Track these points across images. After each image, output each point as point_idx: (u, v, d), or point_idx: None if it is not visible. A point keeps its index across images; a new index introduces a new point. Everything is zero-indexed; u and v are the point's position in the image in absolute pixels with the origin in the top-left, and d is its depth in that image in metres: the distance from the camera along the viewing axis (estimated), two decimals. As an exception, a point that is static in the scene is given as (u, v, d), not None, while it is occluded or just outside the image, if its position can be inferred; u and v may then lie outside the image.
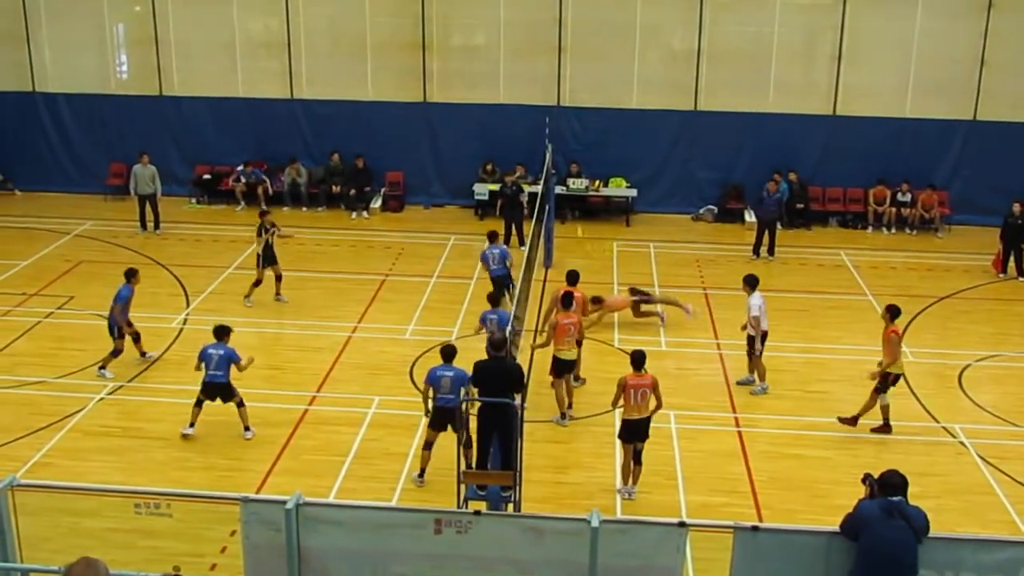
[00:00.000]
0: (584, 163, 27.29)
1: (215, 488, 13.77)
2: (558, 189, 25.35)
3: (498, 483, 12.60)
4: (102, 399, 16.88)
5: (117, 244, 24.70)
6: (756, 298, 17.46)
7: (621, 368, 18.11)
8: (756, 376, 17.74)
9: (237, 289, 21.12)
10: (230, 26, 28.22)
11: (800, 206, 26.91)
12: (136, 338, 18.11)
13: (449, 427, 14.15)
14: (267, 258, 20.77)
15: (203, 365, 15.69)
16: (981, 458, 15.53)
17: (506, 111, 27.66)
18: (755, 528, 8.95)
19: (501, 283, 19.36)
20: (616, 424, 16.21)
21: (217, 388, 15.64)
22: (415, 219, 27.32)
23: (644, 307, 20.45)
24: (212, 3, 28.17)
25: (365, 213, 27.34)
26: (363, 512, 9.51)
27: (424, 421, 14.91)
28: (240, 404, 15.74)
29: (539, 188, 23.03)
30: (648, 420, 14.38)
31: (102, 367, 17.70)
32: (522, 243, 23.53)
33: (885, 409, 16.14)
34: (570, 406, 16.78)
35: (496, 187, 27.09)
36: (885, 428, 16.16)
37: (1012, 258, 23.50)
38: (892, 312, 16.18)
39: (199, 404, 15.72)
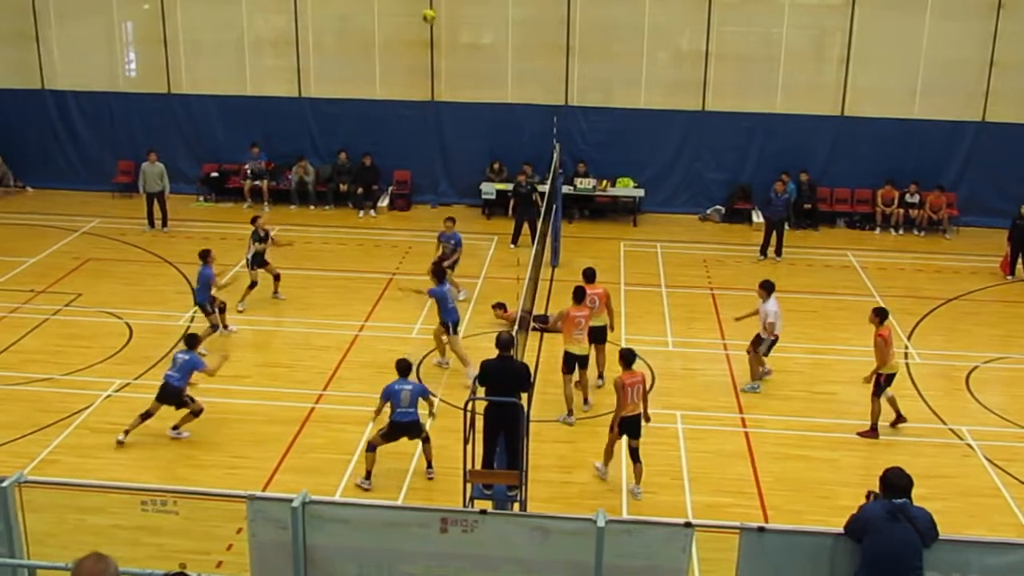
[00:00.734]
0: (591, 163, 27.29)
1: (221, 486, 13.79)
2: (565, 189, 25.36)
3: (504, 482, 12.60)
4: (109, 396, 16.91)
5: (125, 242, 24.75)
6: (772, 303, 17.44)
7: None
8: (751, 375, 17.75)
9: (244, 287, 21.12)
10: (239, 24, 28.27)
11: (808, 207, 26.88)
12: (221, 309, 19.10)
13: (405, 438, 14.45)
14: (258, 262, 20.69)
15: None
16: (988, 460, 15.51)
17: (514, 110, 27.66)
18: (761, 529, 8.95)
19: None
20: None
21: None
22: (422, 218, 27.32)
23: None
24: (221, 1, 28.21)
25: (372, 212, 27.36)
26: (369, 511, 9.52)
27: (430, 421, 14.95)
28: (195, 413, 15.66)
29: (546, 188, 23.02)
30: (640, 416, 14.57)
31: (225, 325, 19.16)
32: (535, 242, 23.60)
33: (892, 401, 16.20)
34: (587, 402, 16.86)
35: (504, 186, 27.13)
36: (899, 419, 16.27)
37: (1020, 260, 23.44)
38: (880, 315, 16.18)
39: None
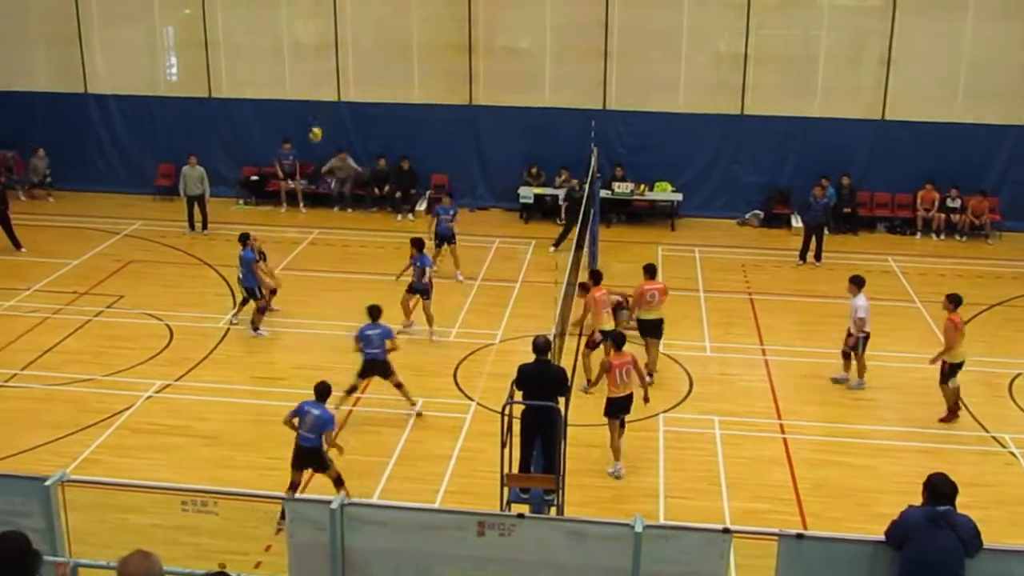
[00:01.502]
0: (629, 167, 27.24)
1: (259, 487, 13.87)
2: (603, 193, 25.32)
3: (541, 486, 12.60)
4: (150, 397, 17.06)
5: (165, 244, 24.98)
6: (861, 299, 17.57)
7: (666, 372, 18.15)
8: (853, 374, 17.81)
9: (284, 290, 21.20)
10: (278, 28, 28.48)
11: (847, 211, 26.70)
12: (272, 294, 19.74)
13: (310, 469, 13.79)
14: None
15: (362, 345, 16.45)
16: (1030, 468, 15.35)
17: (551, 114, 27.66)
18: (800, 536, 8.88)
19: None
20: (660, 428, 16.29)
21: (376, 365, 16.41)
22: (460, 222, 27.20)
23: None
24: (261, 6, 28.42)
25: (410, 215, 27.41)
26: (406, 513, 9.55)
27: (467, 424, 14.94)
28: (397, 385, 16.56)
29: (584, 192, 22.99)
30: (631, 396, 15.07)
31: (255, 327, 19.42)
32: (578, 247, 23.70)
33: (956, 393, 16.25)
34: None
35: (542, 190, 27.17)
36: (951, 416, 16.28)
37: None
38: (954, 301, 16.28)
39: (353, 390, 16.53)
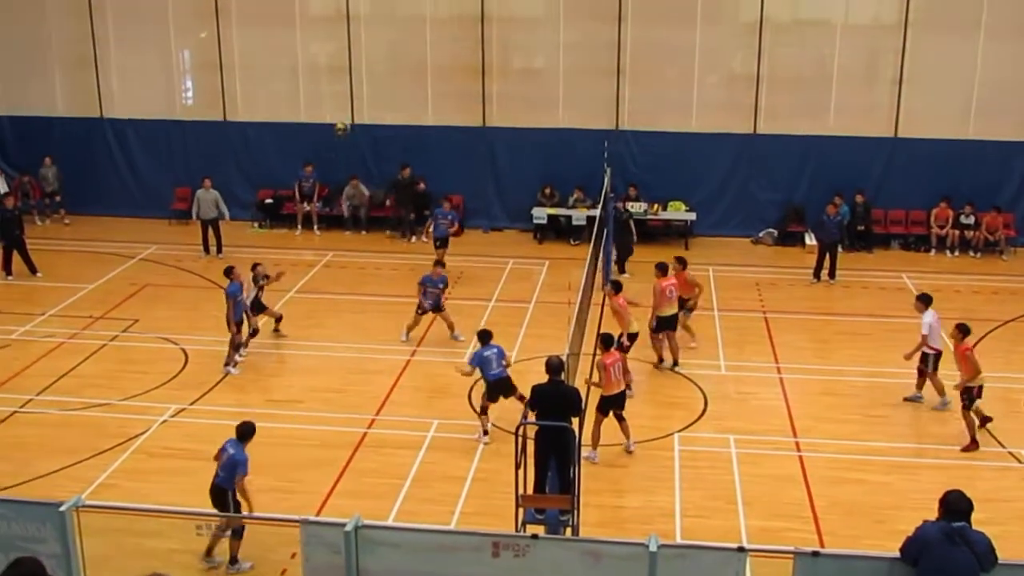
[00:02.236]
0: (643, 186, 27.26)
1: (275, 510, 13.86)
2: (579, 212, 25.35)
3: (556, 507, 12.58)
4: (165, 421, 17.12)
5: (181, 268, 25.09)
6: (929, 315, 17.67)
7: (681, 391, 18.14)
8: (930, 394, 17.83)
9: (298, 312, 21.30)
10: (293, 51, 28.64)
11: (861, 228, 26.67)
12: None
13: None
14: (258, 308, 20.26)
15: (482, 369, 16.62)
16: (1047, 484, 15.28)
17: (565, 135, 27.73)
18: (816, 553, 8.86)
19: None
20: (676, 447, 16.27)
21: (500, 384, 16.54)
22: (474, 242, 27.41)
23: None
24: (275, 29, 28.59)
25: (424, 238, 27.40)
26: (422, 535, 9.55)
27: (482, 448, 14.97)
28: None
29: (598, 212, 23.03)
30: (624, 393, 15.97)
31: (227, 363, 18.98)
32: (622, 270, 23.77)
33: (972, 426, 16.16)
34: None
35: (555, 211, 27.26)
36: (973, 444, 16.15)
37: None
38: (962, 330, 16.32)
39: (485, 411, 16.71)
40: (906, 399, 18.02)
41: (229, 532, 12.64)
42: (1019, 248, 26.56)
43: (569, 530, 12.33)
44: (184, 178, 28.68)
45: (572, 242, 26.90)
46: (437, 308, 20.57)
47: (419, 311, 20.37)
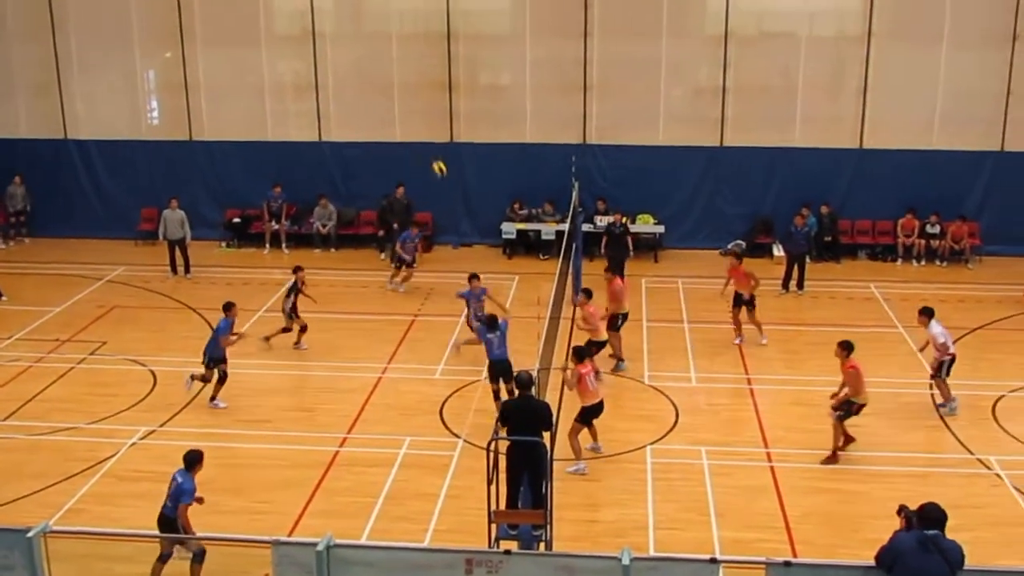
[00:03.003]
0: (611, 200, 27.31)
1: (247, 531, 13.78)
2: (585, 227, 25.39)
3: (529, 522, 12.55)
4: (134, 444, 16.95)
5: (149, 289, 24.91)
6: (935, 326, 17.91)
7: (653, 403, 18.14)
8: (944, 399, 18.05)
9: (267, 331, 21.18)
10: (259, 70, 28.55)
11: (829, 239, 26.84)
12: (222, 378, 18.43)
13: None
14: (296, 312, 20.87)
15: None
16: (1017, 490, 15.36)
17: (533, 150, 27.78)
18: (787, 563, 8.89)
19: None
20: (648, 460, 16.27)
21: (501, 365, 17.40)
22: (444, 258, 27.38)
23: None
24: (241, 48, 28.50)
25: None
26: (394, 553, 9.52)
27: (455, 461, 14.89)
28: None
29: (567, 226, 23.06)
30: (602, 403, 16.07)
31: (213, 398, 18.37)
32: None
33: (838, 439, 16.16)
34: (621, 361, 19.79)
35: (524, 226, 27.26)
36: (833, 459, 16.13)
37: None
38: (846, 348, 16.24)
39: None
40: (940, 406, 18.15)
41: (190, 556, 12.47)
42: (984, 257, 26.77)
43: (543, 545, 12.31)
44: (150, 198, 28.47)
45: (542, 257, 26.94)
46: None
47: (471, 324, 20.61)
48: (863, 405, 16.21)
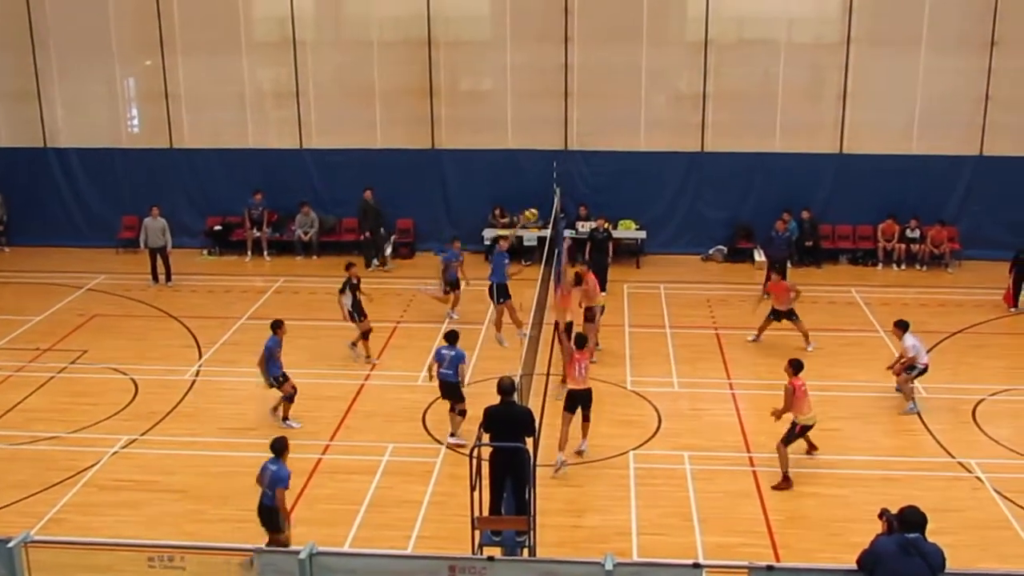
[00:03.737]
0: (593, 206, 27.35)
1: (230, 540, 13.72)
2: (567, 232, 25.42)
3: (512, 528, 12.56)
4: (116, 453, 16.88)
5: (130, 297, 24.82)
6: (908, 339, 18.08)
7: (635, 409, 18.19)
8: (909, 398, 18.26)
9: (250, 339, 21.13)
10: (239, 78, 28.51)
11: (810, 244, 26.95)
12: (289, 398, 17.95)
13: None
14: (359, 311, 20.65)
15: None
16: (998, 493, 15.44)
17: (515, 156, 27.82)
18: (770, 568, 8.92)
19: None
20: (631, 465, 16.30)
21: (447, 386, 17.06)
22: (426, 265, 27.35)
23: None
24: (221, 55, 28.45)
25: (375, 261, 27.25)
26: (377, 560, 9.51)
27: (438, 468, 14.86)
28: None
29: (548, 232, 23.09)
30: (590, 391, 16.22)
31: (285, 418, 17.80)
32: (603, 288, 23.71)
33: (785, 462, 15.77)
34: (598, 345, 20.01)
35: (505, 232, 27.22)
36: (785, 484, 15.72)
37: (1024, 292, 23.51)
38: (795, 366, 16.05)
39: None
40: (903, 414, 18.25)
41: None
42: (964, 261, 26.92)
43: (526, 551, 12.32)
44: (131, 207, 28.37)
45: (524, 262, 26.92)
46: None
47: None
48: (807, 426, 15.90)
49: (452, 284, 22.71)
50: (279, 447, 13.41)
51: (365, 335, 20.70)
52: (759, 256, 26.70)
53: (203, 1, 28.28)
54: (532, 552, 12.24)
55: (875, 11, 26.70)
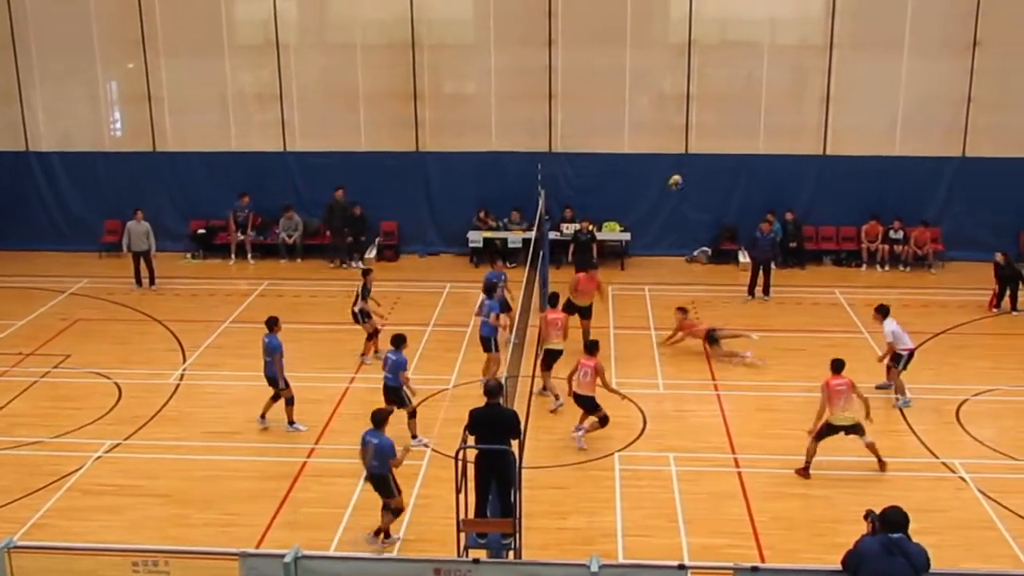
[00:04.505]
0: (578, 208, 27.38)
1: (215, 544, 13.70)
2: (552, 234, 25.44)
3: (498, 530, 12.54)
4: (100, 457, 16.81)
5: (113, 301, 24.72)
6: (888, 324, 18.55)
7: (620, 410, 18.15)
8: (895, 392, 18.65)
9: (234, 343, 21.10)
10: (222, 80, 28.43)
11: (794, 245, 27.02)
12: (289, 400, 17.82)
13: None
14: (366, 315, 20.72)
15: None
16: (982, 493, 15.50)
17: (499, 158, 27.81)
18: (755, 569, 8.94)
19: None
20: (616, 467, 16.31)
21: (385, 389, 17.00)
22: (411, 268, 27.39)
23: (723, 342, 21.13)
24: (204, 58, 28.36)
25: (360, 263, 27.32)
26: (362, 563, 9.51)
27: (423, 471, 14.85)
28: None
29: (533, 234, 23.09)
30: (590, 398, 16.68)
31: (291, 422, 17.75)
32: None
33: (810, 453, 16.03)
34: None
35: (491, 234, 27.30)
36: (806, 471, 16.01)
37: (1008, 295, 23.56)
38: (833, 366, 16.21)
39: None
40: (878, 387, 18.74)
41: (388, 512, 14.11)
42: (947, 262, 27.04)
43: (511, 553, 12.31)
44: (114, 210, 28.27)
45: (508, 265, 26.90)
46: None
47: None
48: (836, 426, 15.87)
49: (501, 306, 20.99)
50: (380, 418, 14.01)
51: (371, 335, 20.81)
52: (743, 257, 26.76)
53: (186, 4, 28.21)
54: (518, 554, 12.23)
55: (858, 13, 26.78)
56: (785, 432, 17.56)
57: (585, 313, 21.06)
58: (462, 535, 12.34)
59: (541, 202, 23.69)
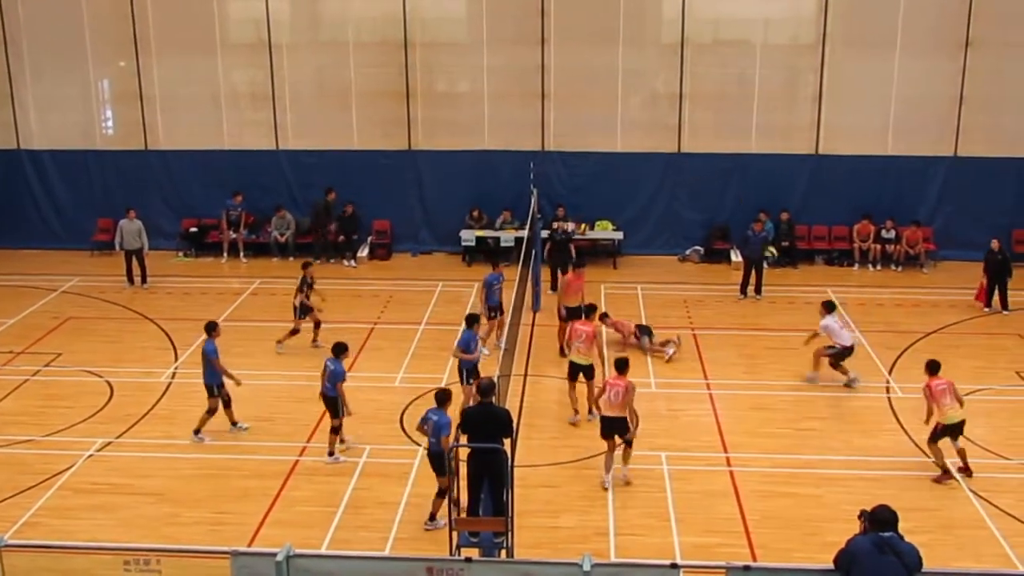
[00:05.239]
0: (570, 207, 27.34)
1: (206, 542, 13.68)
2: (544, 233, 25.43)
3: (490, 529, 12.54)
4: (91, 456, 16.78)
5: (105, 300, 24.66)
6: (827, 320, 19.27)
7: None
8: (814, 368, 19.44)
9: (225, 341, 20.94)
10: (215, 79, 28.38)
11: (786, 244, 27.05)
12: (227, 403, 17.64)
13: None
14: (304, 310, 20.96)
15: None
16: (973, 492, 15.52)
17: (491, 157, 27.81)
18: (747, 568, 8.94)
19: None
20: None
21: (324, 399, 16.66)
22: (403, 267, 27.38)
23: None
24: (196, 57, 28.31)
25: (353, 262, 27.32)
26: (354, 562, 9.49)
27: (415, 469, 14.83)
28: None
29: (526, 233, 23.11)
30: (622, 420, 15.63)
31: (197, 431, 17.32)
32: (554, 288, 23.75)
33: (939, 455, 15.95)
34: (590, 411, 17.79)
35: (484, 233, 27.28)
36: (946, 475, 15.90)
37: (996, 292, 23.60)
38: (928, 368, 16.33)
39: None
40: (808, 378, 19.39)
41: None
42: (939, 261, 27.09)
43: (504, 552, 12.31)
44: (106, 209, 28.23)
45: (501, 263, 26.91)
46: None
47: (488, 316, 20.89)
48: (949, 425, 15.79)
49: (495, 309, 21.07)
50: (443, 397, 14.16)
51: (293, 331, 21.07)
52: (736, 256, 26.79)
53: (178, 2, 28.16)
54: (510, 553, 12.23)
55: (850, 13, 26.82)
56: (777, 431, 17.61)
57: (573, 314, 20.14)
58: (454, 534, 12.34)
59: (533, 201, 23.70)
